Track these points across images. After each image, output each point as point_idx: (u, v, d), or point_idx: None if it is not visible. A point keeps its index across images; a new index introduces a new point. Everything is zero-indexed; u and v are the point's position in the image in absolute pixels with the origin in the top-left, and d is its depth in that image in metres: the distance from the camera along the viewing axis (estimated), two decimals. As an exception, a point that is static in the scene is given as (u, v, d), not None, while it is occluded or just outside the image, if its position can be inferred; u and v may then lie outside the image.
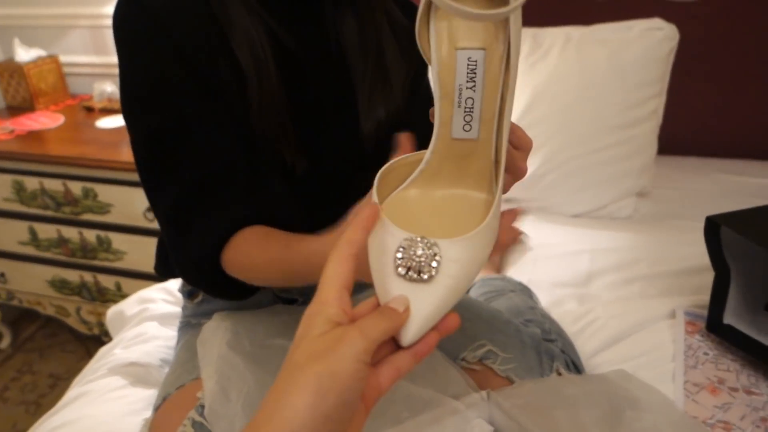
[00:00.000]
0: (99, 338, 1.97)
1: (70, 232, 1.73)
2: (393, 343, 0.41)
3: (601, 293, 1.17)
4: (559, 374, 0.82)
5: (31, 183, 1.68)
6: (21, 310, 2.08)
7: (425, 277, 0.41)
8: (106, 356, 1.09)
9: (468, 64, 0.45)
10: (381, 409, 0.79)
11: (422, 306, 0.40)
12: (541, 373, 0.81)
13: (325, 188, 0.78)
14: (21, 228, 1.78)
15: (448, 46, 0.45)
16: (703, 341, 0.91)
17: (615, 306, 1.08)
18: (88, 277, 1.80)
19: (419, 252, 0.41)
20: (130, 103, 0.70)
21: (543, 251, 1.34)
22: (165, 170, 0.69)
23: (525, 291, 1.04)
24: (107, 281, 1.79)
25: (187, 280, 0.76)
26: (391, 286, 0.41)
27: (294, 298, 0.86)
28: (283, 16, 0.73)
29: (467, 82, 0.45)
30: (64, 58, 2.03)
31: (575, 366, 0.87)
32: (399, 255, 0.41)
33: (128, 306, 1.21)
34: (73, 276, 1.82)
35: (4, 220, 1.78)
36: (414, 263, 0.41)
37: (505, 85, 0.46)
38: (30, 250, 1.82)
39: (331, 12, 0.77)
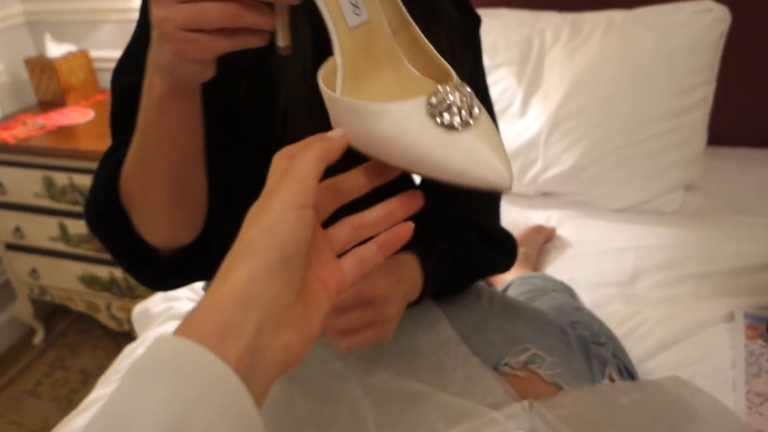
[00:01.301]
0: (129, 334, 1.96)
1: (100, 228, 1.72)
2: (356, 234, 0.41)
3: (648, 293, 1.10)
4: (612, 380, 0.76)
5: (61, 178, 1.68)
6: (53, 305, 2.09)
7: (478, 112, 0.38)
8: (131, 355, 1.07)
9: None
10: (414, 420, 0.74)
11: (492, 141, 0.38)
12: (592, 379, 0.75)
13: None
14: (51, 224, 1.78)
15: None
16: (766, 347, 0.84)
17: (665, 307, 1.01)
18: (117, 273, 1.79)
19: (457, 95, 0.38)
20: (119, 61, 0.67)
21: (583, 248, 1.28)
22: (118, 127, 0.66)
23: (567, 290, 0.98)
24: (137, 277, 1.77)
25: (89, 223, 0.66)
26: (437, 143, 0.37)
27: None
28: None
29: None
30: (94, 53, 2.02)
31: (628, 371, 0.80)
32: (435, 103, 0.38)
33: (154, 304, 1.18)
34: (103, 272, 1.81)
35: (34, 216, 1.78)
36: (461, 104, 0.38)
37: None
38: (60, 246, 1.81)
39: None
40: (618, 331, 0.95)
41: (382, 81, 0.44)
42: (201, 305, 0.32)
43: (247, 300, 0.32)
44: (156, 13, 0.41)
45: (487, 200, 0.83)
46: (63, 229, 1.77)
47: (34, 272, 1.91)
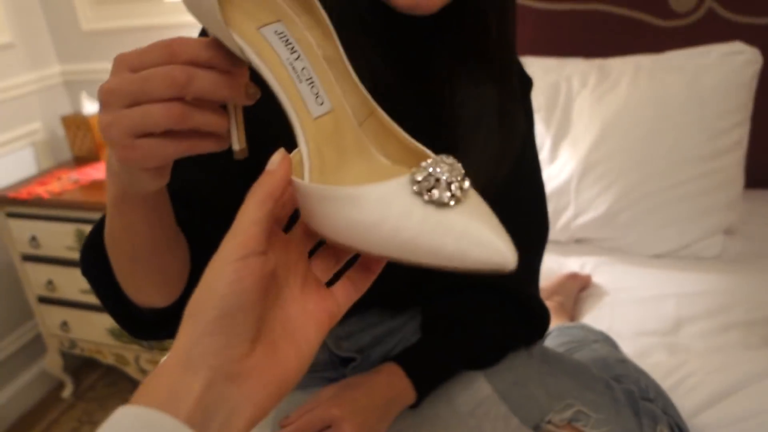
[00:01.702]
0: (157, 388, 1.94)
1: (130, 280, 1.73)
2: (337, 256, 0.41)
3: (693, 343, 1.05)
4: (663, 440, 0.71)
5: (93, 231, 1.70)
6: (83, 359, 2.09)
7: (457, 193, 0.34)
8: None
9: (279, 37, 0.41)
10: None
11: (487, 217, 0.35)
12: (642, 438, 0.70)
13: None
14: (82, 277, 1.79)
15: (251, 31, 0.41)
16: (827, 400, 0.78)
17: (713, 358, 0.96)
18: (146, 325, 1.79)
19: (444, 168, 0.35)
20: None
21: (621, 296, 1.23)
22: None
23: (608, 341, 0.94)
24: (165, 329, 1.77)
25: (81, 266, 0.66)
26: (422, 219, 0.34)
27: (352, 356, 0.79)
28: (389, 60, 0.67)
29: (291, 53, 0.41)
30: (127, 110, 2.08)
31: (680, 430, 0.75)
32: (421, 179, 0.34)
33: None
34: (132, 324, 1.81)
35: (66, 269, 1.80)
36: (450, 178, 0.34)
37: (326, 47, 0.43)
38: (91, 299, 1.82)
39: (444, 72, 0.69)
40: (663, 383, 0.91)
41: (352, 172, 0.42)
42: (153, 373, 0.34)
43: (190, 362, 0.33)
44: (101, 118, 0.39)
45: (527, 263, 0.81)
46: (94, 281, 1.79)
47: (64, 325, 1.91)
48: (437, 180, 0.34)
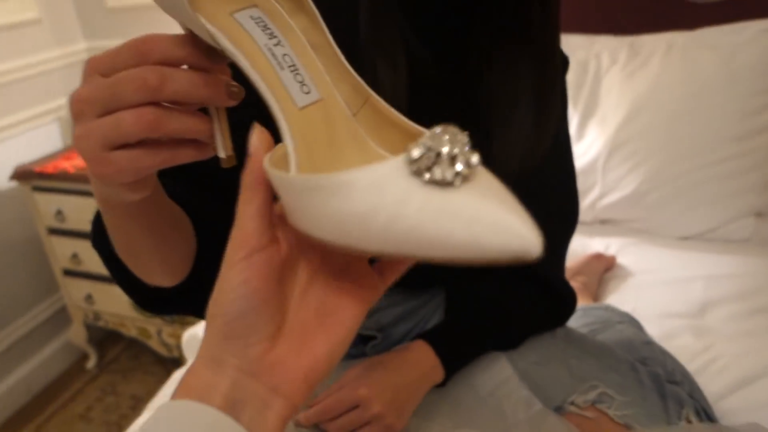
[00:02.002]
0: (179, 360, 1.97)
1: (153, 255, 1.75)
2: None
3: (720, 326, 1.03)
4: (689, 422, 0.70)
5: (117, 206, 1.72)
6: (106, 331, 2.13)
7: (475, 161, 0.29)
8: (180, 382, 1.06)
9: (256, 23, 0.38)
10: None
11: (502, 196, 0.28)
12: (668, 421, 0.69)
13: None
14: (106, 250, 1.82)
15: (223, 16, 0.37)
16: None
17: (740, 341, 0.94)
18: (169, 299, 1.82)
19: (446, 140, 0.28)
20: None
21: (647, 277, 1.22)
22: None
23: (633, 323, 0.92)
24: (187, 304, 1.79)
25: (92, 240, 0.65)
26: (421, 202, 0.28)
27: (372, 334, 0.79)
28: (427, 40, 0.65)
29: (270, 39, 0.38)
30: (151, 85, 2.10)
31: (707, 414, 0.74)
32: (417, 156, 0.28)
33: (203, 329, 1.18)
34: (154, 298, 1.84)
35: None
36: (454, 152, 0.28)
37: (313, 35, 0.40)
38: (115, 272, 1.85)
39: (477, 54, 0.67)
40: (689, 366, 0.89)
41: (345, 164, 0.37)
42: (186, 372, 0.35)
43: (214, 363, 0.34)
44: (75, 130, 0.36)
45: (557, 242, 0.80)
46: (118, 255, 1.81)
47: (89, 298, 1.95)
48: (438, 155, 0.28)
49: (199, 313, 0.66)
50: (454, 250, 0.27)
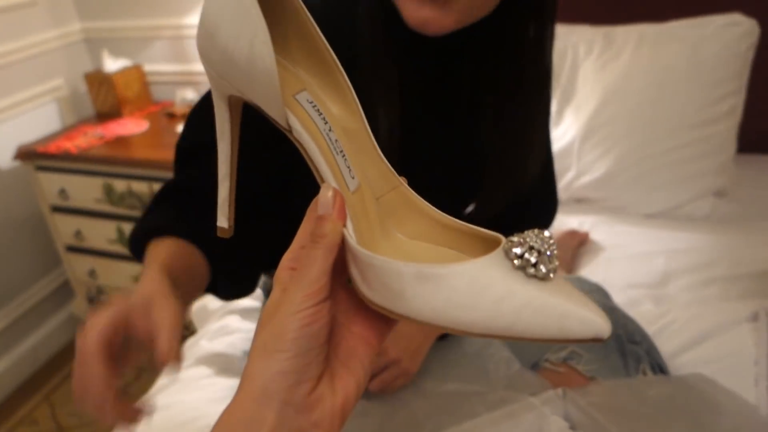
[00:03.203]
0: (179, 332, 2.06)
1: (155, 232, 1.83)
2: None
3: (678, 294, 1.15)
4: (645, 375, 0.82)
5: (120, 185, 1.79)
6: (108, 304, 2.21)
7: (557, 264, 0.34)
8: (193, 347, 1.16)
9: (312, 106, 0.38)
10: (455, 405, 0.81)
11: (574, 294, 0.33)
12: (627, 375, 0.81)
13: None
14: (110, 227, 1.90)
15: (290, 100, 0.38)
16: (788, 344, 0.89)
17: (693, 308, 1.06)
18: (170, 274, 1.90)
19: (538, 239, 0.33)
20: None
21: (616, 252, 1.33)
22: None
23: (601, 292, 1.04)
24: (188, 278, 1.88)
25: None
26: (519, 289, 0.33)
27: None
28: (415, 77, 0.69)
29: (324, 124, 0.38)
30: (147, 67, 2.15)
31: (661, 369, 0.86)
32: (521, 254, 0.33)
33: (211, 300, 1.28)
34: (156, 273, 1.92)
35: (94, 220, 1.91)
36: (543, 248, 0.33)
37: (350, 120, 0.40)
38: (118, 248, 1.93)
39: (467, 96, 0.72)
40: (648, 329, 1.00)
41: (380, 245, 0.39)
42: (229, 406, 0.37)
43: (264, 397, 0.35)
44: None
45: (539, 225, 0.90)
46: (120, 232, 1.89)
47: (92, 273, 2.03)
48: (540, 253, 0.33)
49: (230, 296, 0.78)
50: (543, 337, 0.32)
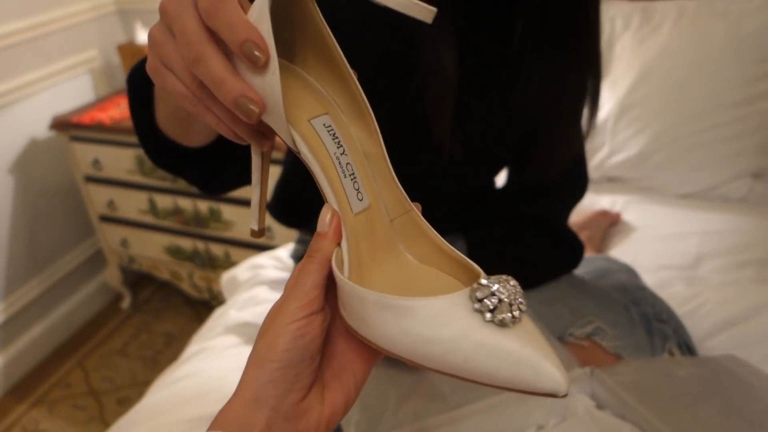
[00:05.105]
0: (208, 303, 2.11)
1: (185, 203, 1.86)
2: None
3: (710, 276, 1.13)
4: (672, 354, 0.81)
5: (151, 156, 1.82)
6: (140, 274, 2.26)
7: (518, 314, 0.34)
8: (222, 317, 1.18)
9: (327, 131, 0.40)
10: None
11: (542, 341, 0.34)
12: (653, 353, 0.80)
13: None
14: (142, 198, 1.93)
15: (303, 123, 0.40)
16: (825, 329, 0.87)
17: (726, 290, 1.04)
18: (200, 245, 1.93)
19: (506, 288, 0.34)
20: None
21: (648, 233, 1.31)
22: None
23: (630, 271, 1.02)
24: (217, 249, 1.91)
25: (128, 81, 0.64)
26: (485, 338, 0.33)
27: None
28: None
29: (337, 148, 0.40)
30: (178, 39, 2.16)
31: (688, 348, 0.85)
32: (482, 299, 0.34)
33: (241, 271, 1.29)
34: (187, 243, 1.96)
35: (127, 190, 1.94)
36: (509, 298, 0.34)
37: (368, 143, 0.42)
38: (149, 219, 1.97)
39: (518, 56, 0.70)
40: (679, 311, 0.99)
41: (382, 270, 0.40)
42: (224, 408, 0.38)
43: (255, 403, 0.37)
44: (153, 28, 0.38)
45: (571, 201, 0.89)
46: (152, 203, 1.92)
47: (124, 242, 2.07)
48: (500, 301, 0.33)
49: (196, 180, 0.70)
50: (496, 382, 0.33)
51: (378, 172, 0.41)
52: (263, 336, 0.38)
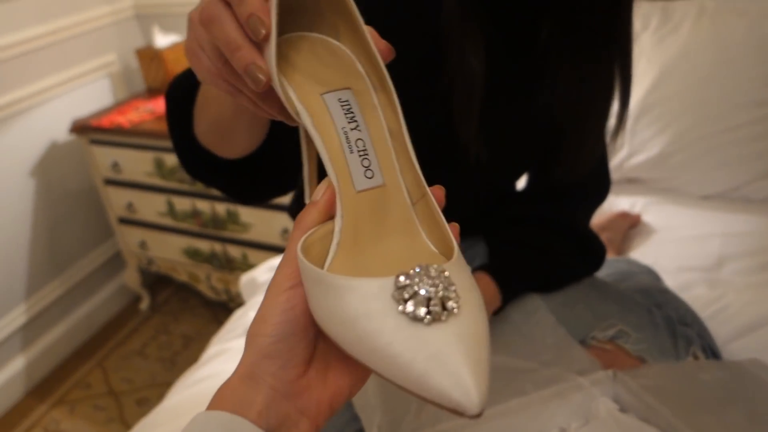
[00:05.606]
0: (225, 304, 2.12)
1: (203, 205, 1.88)
2: None
3: (733, 278, 1.12)
4: (696, 358, 0.80)
5: (170, 159, 1.83)
6: (158, 275, 2.28)
7: (454, 307, 0.31)
8: (242, 318, 1.19)
9: (341, 105, 0.40)
10: (504, 381, 0.80)
11: (468, 347, 0.31)
12: (676, 356, 0.79)
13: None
14: (160, 200, 1.94)
15: (314, 98, 0.39)
16: None
17: (750, 292, 1.03)
18: (218, 247, 1.95)
19: (427, 280, 0.32)
20: None
21: (669, 234, 1.30)
22: None
23: (652, 274, 1.01)
24: (235, 251, 1.92)
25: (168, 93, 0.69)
26: (400, 339, 0.31)
27: None
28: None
29: (349, 123, 0.39)
30: (196, 43, 2.17)
31: (713, 352, 0.84)
32: (401, 285, 0.32)
33: (260, 273, 1.30)
34: (204, 246, 1.97)
35: (146, 193, 1.96)
36: (430, 294, 0.31)
37: (390, 120, 0.40)
38: (167, 221, 1.98)
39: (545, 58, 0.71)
40: (702, 313, 0.98)
41: (387, 248, 0.39)
42: (222, 387, 0.38)
43: (252, 381, 0.36)
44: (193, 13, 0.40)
45: (593, 203, 0.89)
46: (170, 205, 1.94)
47: (143, 244, 2.09)
48: (415, 292, 0.31)
49: (231, 190, 0.72)
50: (408, 378, 0.30)
51: (399, 151, 0.41)
52: (257, 312, 0.38)
